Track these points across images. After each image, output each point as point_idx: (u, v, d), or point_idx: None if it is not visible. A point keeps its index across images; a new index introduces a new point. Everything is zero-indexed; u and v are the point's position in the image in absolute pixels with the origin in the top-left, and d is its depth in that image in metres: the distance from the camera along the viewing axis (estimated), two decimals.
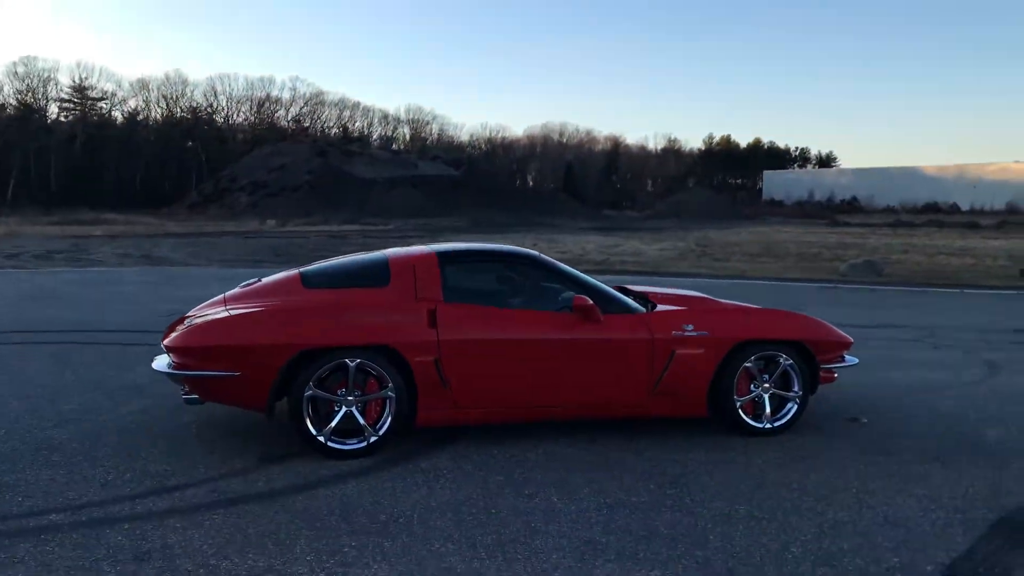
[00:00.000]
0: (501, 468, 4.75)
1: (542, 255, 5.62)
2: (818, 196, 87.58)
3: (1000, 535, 3.91)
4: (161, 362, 5.00)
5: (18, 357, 7.77)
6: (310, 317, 4.86)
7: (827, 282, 17.19)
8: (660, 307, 5.61)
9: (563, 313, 5.21)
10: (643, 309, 5.48)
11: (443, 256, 5.30)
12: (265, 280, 5.40)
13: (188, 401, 5.08)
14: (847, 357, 5.85)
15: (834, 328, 5.77)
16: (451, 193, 69.73)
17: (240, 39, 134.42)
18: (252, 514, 4.03)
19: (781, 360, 5.45)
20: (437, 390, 4.95)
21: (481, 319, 5.06)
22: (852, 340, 5.82)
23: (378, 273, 5.20)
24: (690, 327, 5.30)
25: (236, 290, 5.40)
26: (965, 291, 16.03)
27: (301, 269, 5.42)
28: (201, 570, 3.41)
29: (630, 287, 6.39)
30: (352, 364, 4.79)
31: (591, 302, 5.12)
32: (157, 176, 79.61)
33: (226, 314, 4.96)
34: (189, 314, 5.33)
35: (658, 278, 17.00)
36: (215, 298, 5.38)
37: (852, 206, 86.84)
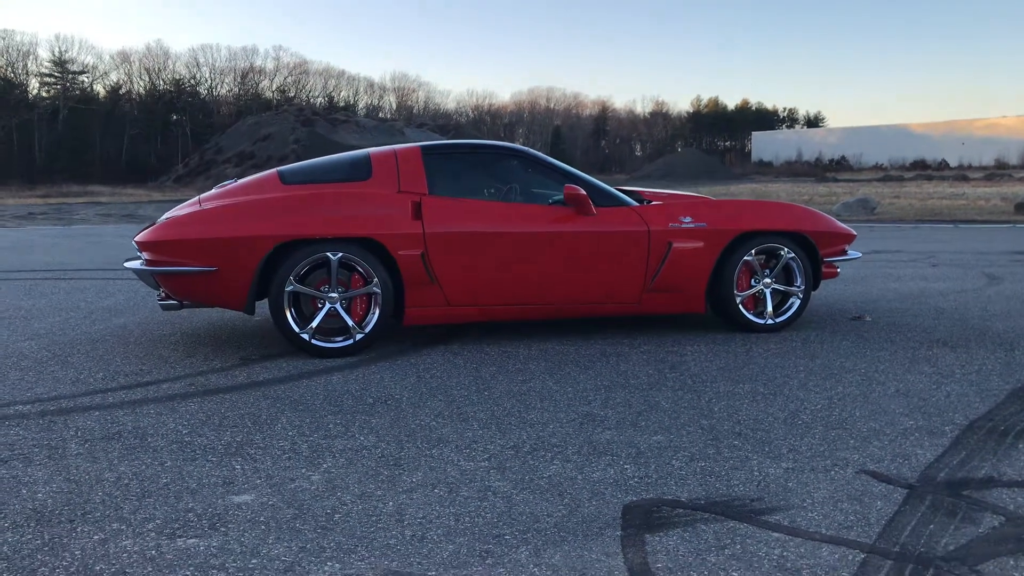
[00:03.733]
0: (494, 361, 4.54)
1: (531, 149, 5.37)
2: (806, 156, 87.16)
3: (1017, 401, 3.72)
4: (135, 262, 4.75)
5: None
6: (289, 209, 4.61)
7: None
8: (661, 200, 5.37)
9: (555, 206, 4.98)
10: (637, 203, 5.25)
11: (427, 149, 5.05)
12: (242, 180, 5.14)
13: (165, 307, 4.85)
14: (850, 251, 5.64)
15: (836, 220, 5.55)
16: None
17: (221, 9, 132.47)
18: (231, 400, 3.82)
19: (783, 253, 5.23)
20: (425, 286, 4.72)
21: (469, 212, 4.82)
22: (855, 233, 5.60)
23: (359, 167, 4.95)
24: (688, 219, 5.07)
25: (212, 191, 5.14)
26: (960, 225, 15.86)
27: (279, 168, 5.16)
28: (174, 445, 3.19)
29: (624, 188, 6.15)
30: (334, 258, 4.56)
31: (583, 192, 4.88)
32: (142, 150, 78.69)
33: (201, 209, 4.71)
34: (164, 216, 5.07)
35: None
36: (190, 200, 5.12)
37: (841, 165, 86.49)
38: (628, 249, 4.97)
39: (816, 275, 5.39)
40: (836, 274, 5.57)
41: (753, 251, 5.17)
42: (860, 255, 5.76)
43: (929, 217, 17.40)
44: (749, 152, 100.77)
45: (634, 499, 2.66)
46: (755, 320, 5.25)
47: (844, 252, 5.58)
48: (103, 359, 4.64)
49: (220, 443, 3.22)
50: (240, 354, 4.75)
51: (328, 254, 4.56)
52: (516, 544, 2.34)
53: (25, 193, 42.00)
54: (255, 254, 4.49)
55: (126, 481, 2.82)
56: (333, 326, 4.65)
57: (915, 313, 5.97)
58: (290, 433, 3.33)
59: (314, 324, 4.59)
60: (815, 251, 5.32)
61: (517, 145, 5.39)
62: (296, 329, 4.57)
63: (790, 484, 2.78)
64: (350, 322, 4.63)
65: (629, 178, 77.20)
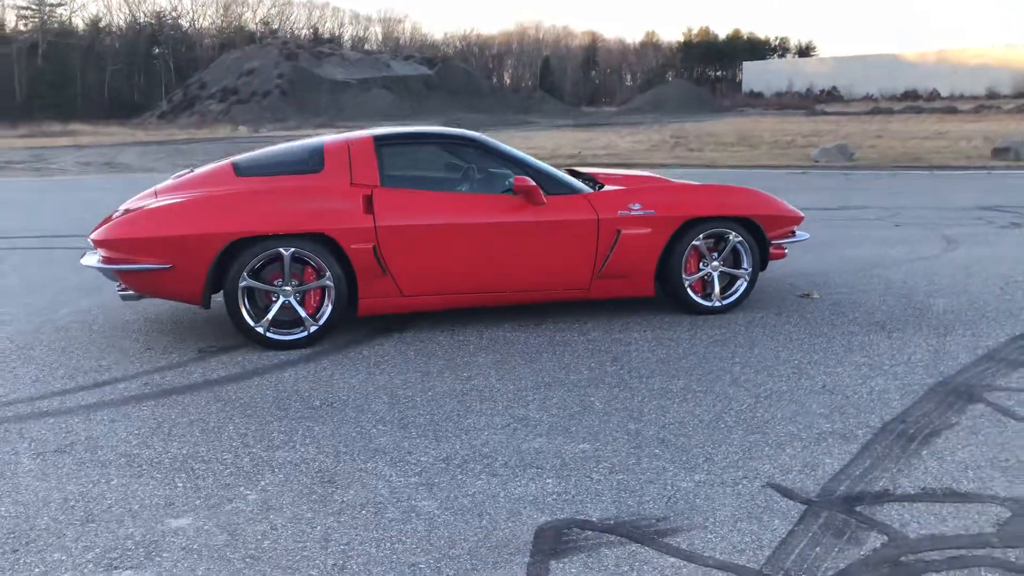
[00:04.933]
0: (444, 353, 4.69)
1: (484, 137, 5.44)
2: (797, 87, 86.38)
3: (934, 399, 3.90)
4: (91, 258, 4.85)
5: None
6: (241, 206, 4.70)
7: (798, 168, 17.05)
8: (608, 188, 5.47)
9: (505, 196, 5.07)
10: (589, 189, 5.34)
11: (380, 140, 5.11)
12: (197, 170, 5.21)
13: (124, 297, 4.97)
14: (798, 233, 5.77)
15: (784, 204, 5.67)
16: (426, 94, 68.55)
17: None
18: (183, 404, 3.97)
19: (730, 237, 5.35)
20: (377, 278, 4.84)
21: (420, 204, 4.92)
22: (803, 215, 5.73)
23: (312, 159, 5.02)
24: (636, 206, 5.18)
25: (168, 181, 5.22)
26: (935, 172, 15.94)
27: (234, 158, 5.22)
28: (122, 459, 3.35)
29: (579, 169, 6.23)
30: (287, 253, 4.67)
31: (532, 183, 4.98)
32: (125, 85, 77.56)
33: (156, 205, 4.79)
34: (120, 208, 5.15)
35: (627, 169, 16.79)
36: (146, 191, 5.20)
37: (831, 96, 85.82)
38: (577, 237, 5.09)
39: (764, 257, 5.52)
40: (784, 255, 5.71)
41: (701, 236, 5.29)
42: (808, 236, 5.89)
43: (907, 163, 17.45)
44: (740, 83, 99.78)
45: (548, 520, 2.84)
46: (703, 303, 5.40)
47: (792, 234, 5.71)
48: (65, 352, 4.78)
49: (167, 455, 3.38)
50: (199, 345, 4.89)
51: (281, 250, 4.66)
52: (429, 573, 2.52)
53: (6, 133, 41.48)
54: (208, 251, 4.60)
55: (72, 503, 2.98)
56: (288, 318, 4.79)
57: (864, 288, 6.13)
58: (235, 444, 3.49)
59: (269, 317, 4.72)
60: (763, 234, 5.44)
61: (471, 133, 5.45)
62: (251, 323, 4.71)
63: (698, 501, 2.96)
64: (304, 315, 4.76)
65: (618, 110, 76.52)
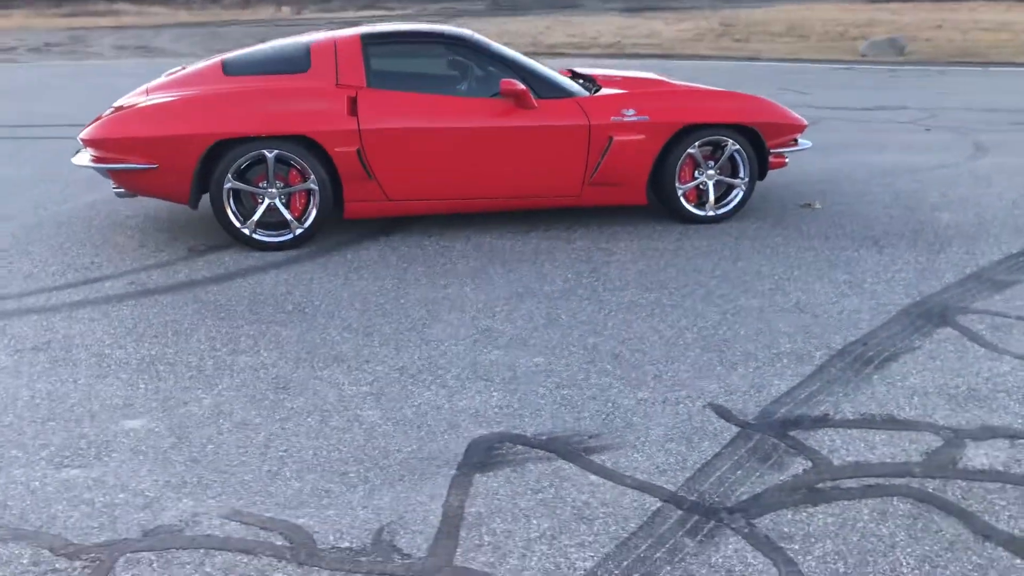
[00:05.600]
0: (425, 259, 4.74)
1: (477, 36, 5.31)
2: None
3: (903, 320, 3.86)
4: (82, 157, 4.92)
5: None
6: (225, 106, 4.70)
7: (844, 63, 16.38)
8: (604, 91, 5.34)
9: (495, 99, 4.99)
10: (585, 93, 5.23)
11: (368, 39, 5.03)
12: (189, 68, 5.20)
13: (119, 194, 5.06)
14: (800, 141, 5.62)
15: (786, 110, 5.50)
16: None
17: None
18: (162, 304, 4.09)
19: (727, 145, 5.23)
20: (362, 182, 4.85)
21: (406, 106, 4.87)
22: (805, 123, 5.56)
23: (299, 59, 4.98)
24: (631, 112, 5.07)
25: (160, 79, 5.22)
26: (990, 69, 15.22)
27: (224, 56, 5.19)
28: (93, 359, 3.49)
29: (578, 70, 6.08)
30: (270, 155, 4.69)
31: (521, 86, 4.88)
32: None
33: (143, 104, 4.82)
34: (113, 105, 5.18)
35: (665, 61, 16.32)
36: (139, 88, 5.21)
37: None
38: (568, 143, 5.02)
39: (762, 167, 5.40)
40: (784, 164, 5.57)
41: (697, 143, 5.18)
42: (810, 145, 5.72)
43: (962, 58, 16.65)
44: None
45: (484, 433, 2.92)
46: (696, 212, 5.33)
47: (794, 142, 5.56)
48: (62, 248, 4.91)
49: (136, 357, 3.51)
50: (190, 243, 4.99)
51: (264, 151, 4.68)
52: (356, 483, 2.63)
53: (51, 11, 41.43)
54: (193, 152, 4.64)
55: (38, 401, 3.14)
56: (275, 220, 4.84)
57: (870, 199, 5.99)
58: (202, 347, 3.61)
59: (254, 219, 4.79)
60: (762, 143, 5.31)
61: (464, 32, 5.31)
62: (237, 224, 4.78)
63: (635, 419, 3.01)
64: (289, 217, 4.82)
65: None
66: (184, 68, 5.28)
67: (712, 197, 5.32)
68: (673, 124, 5.09)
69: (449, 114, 4.90)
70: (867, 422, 2.98)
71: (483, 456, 2.78)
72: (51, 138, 8.34)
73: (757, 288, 4.27)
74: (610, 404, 3.12)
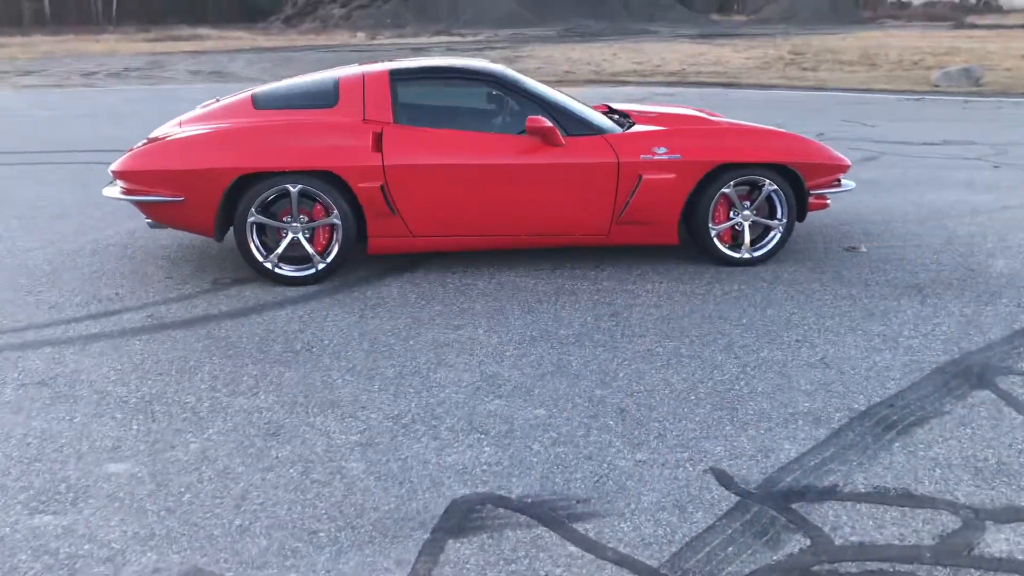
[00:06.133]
0: (445, 297, 4.65)
1: (508, 72, 5.24)
2: None
3: (936, 380, 3.62)
4: (112, 189, 4.98)
5: (38, 177, 7.96)
6: (251, 141, 4.71)
7: (915, 93, 15.89)
8: (636, 128, 5.21)
9: (522, 136, 4.90)
10: (617, 129, 5.11)
11: (396, 74, 5.00)
12: (222, 101, 5.25)
13: (151, 225, 5.11)
14: (844, 182, 5.38)
15: (828, 149, 5.28)
16: (547, 0, 66.96)
17: None
18: (174, 339, 4.08)
19: (764, 186, 5.04)
20: (386, 217, 4.80)
21: (431, 143, 4.81)
22: (848, 163, 5.32)
23: (327, 93, 4.97)
24: (661, 150, 4.92)
25: (195, 111, 5.28)
26: None
27: (254, 90, 5.22)
28: (94, 396, 3.49)
29: (614, 105, 5.96)
30: (294, 190, 4.67)
31: (548, 123, 4.78)
32: None
33: (173, 137, 4.86)
34: (148, 136, 5.25)
35: (729, 90, 16.08)
36: (174, 120, 5.28)
37: (988, 6, 79.31)
38: (596, 181, 4.89)
39: (801, 208, 5.19)
40: (826, 206, 5.35)
41: (732, 183, 5.01)
42: (853, 186, 5.48)
43: None
44: None
45: (466, 493, 2.80)
46: (731, 254, 5.15)
47: (837, 183, 5.33)
48: (92, 277, 4.98)
49: (136, 395, 3.49)
50: (215, 276, 5.01)
51: (288, 186, 4.67)
52: (325, 544, 2.54)
53: (137, 36, 43.14)
54: (217, 186, 4.65)
55: (30, 440, 3.13)
56: (297, 254, 4.83)
57: (921, 242, 5.70)
58: (203, 386, 3.58)
59: (277, 252, 4.77)
60: (801, 183, 5.10)
61: (494, 68, 5.24)
62: (259, 258, 4.77)
63: (629, 483, 2.86)
64: (311, 251, 4.79)
65: (747, 20, 72.97)
66: (218, 100, 5.32)
67: (747, 239, 5.13)
68: (706, 163, 4.93)
69: (475, 151, 4.83)
70: (879, 496, 2.77)
71: (461, 519, 2.66)
72: (107, 163, 8.54)
73: (783, 339, 4.07)
74: (605, 465, 2.97)
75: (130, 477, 2.89)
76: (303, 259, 4.83)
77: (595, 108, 5.76)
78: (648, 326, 4.23)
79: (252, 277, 4.91)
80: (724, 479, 2.88)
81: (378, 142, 4.74)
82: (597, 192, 4.91)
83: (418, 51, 30.73)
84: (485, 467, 2.95)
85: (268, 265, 4.78)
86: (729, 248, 5.15)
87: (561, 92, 5.49)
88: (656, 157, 4.90)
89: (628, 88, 16.85)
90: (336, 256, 4.82)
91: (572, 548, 2.52)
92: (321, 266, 4.82)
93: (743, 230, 5.13)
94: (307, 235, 4.79)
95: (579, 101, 5.51)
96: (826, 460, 2.99)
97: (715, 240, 5.10)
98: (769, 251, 5.17)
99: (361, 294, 4.71)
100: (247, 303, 4.57)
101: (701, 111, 6.21)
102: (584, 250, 5.40)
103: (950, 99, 15.07)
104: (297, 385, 3.59)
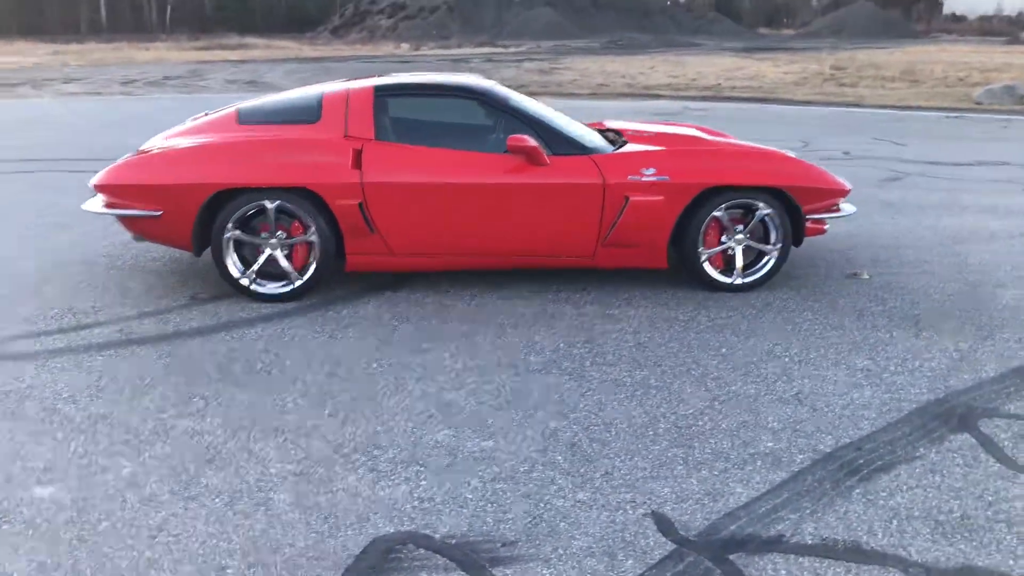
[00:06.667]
0: (420, 318, 4.55)
1: (496, 88, 5.14)
2: (1008, 10, 78.38)
3: (914, 421, 3.42)
4: (93, 203, 4.96)
5: (52, 184, 8.04)
6: (228, 156, 4.66)
7: (955, 111, 15.47)
8: (627, 148, 5.07)
9: (506, 155, 4.78)
10: (607, 149, 4.98)
11: (380, 90, 4.93)
12: (210, 115, 5.22)
13: (135, 238, 5.08)
14: (843, 207, 5.18)
15: (827, 173, 5.08)
16: (592, 12, 66.99)
17: None
18: (137, 356, 4.03)
19: (758, 209, 4.86)
20: (364, 235, 4.72)
21: (411, 160, 4.72)
22: (848, 187, 5.12)
23: (311, 109, 4.91)
24: (650, 171, 4.77)
25: (183, 124, 5.25)
26: None
27: (239, 105, 5.18)
28: (42, 414, 3.44)
29: (609, 123, 5.82)
30: (271, 206, 4.61)
31: (532, 143, 4.66)
32: None
33: (154, 151, 4.84)
34: (140, 148, 5.23)
35: (761, 105, 15.82)
36: (163, 133, 5.26)
37: None
38: (580, 202, 4.76)
39: (797, 232, 5.00)
40: (823, 231, 5.15)
41: (723, 206, 4.84)
42: (853, 211, 5.27)
43: None
44: (942, 4, 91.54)
45: (390, 532, 2.68)
46: (721, 279, 4.97)
47: (836, 208, 5.13)
48: (75, 289, 4.97)
49: (83, 414, 3.44)
50: (195, 290, 4.96)
51: (265, 202, 4.61)
52: None
53: (185, 45, 43.93)
54: (193, 201, 4.61)
55: None
56: (275, 270, 4.76)
57: (928, 269, 5.47)
58: (152, 407, 3.51)
59: (254, 269, 4.72)
60: (797, 207, 4.92)
61: (481, 84, 5.14)
62: (236, 274, 4.72)
63: (562, 526, 2.72)
64: (288, 268, 4.72)
65: (795, 34, 72.11)
66: (207, 114, 5.29)
67: (740, 263, 4.95)
68: (695, 185, 4.77)
69: (456, 169, 4.73)
70: (825, 549, 2.59)
71: (377, 560, 2.54)
72: None
73: (760, 372, 3.89)
74: (542, 505, 2.83)
75: (53, 502, 2.82)
76: (281, 275, 4.77)
77: (591, 126, 5.63)
78: (622, 354, 4.08)
79: (231, 293, 4.86)
80: (664, 524, 2.72)
81: (357, 159, 4.66)
82: (582, 213, 4.77)
83: (459, 62, 30.85)
84: (416, 503, 2.84)
85: (244, 281, 4.73)
86: (720, 273, 4.98)
87: (552, 109, 5.38)
88: (644, 179, 4.75)
89: (660, 102, 16.66)
90: (313, 273, 4.74)
91: None
92: (298, 283, 4.75)
93: (735, 254, 4.95)
94: (285, 252, 4.72)
95: (572, 119, 5.39)
96: (777, 507, 2.82)
97: (705, 265, 4.94)
98: (762, 277, 4.99)
99: (336, 313, 4.63)
100: (219, 320, 4.51)
101: (703, 130, 6.06)
102: (573, 272, 5.26)
103: (991, 117, 14.64)
104: (247, 409, 3.51)
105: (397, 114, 4.92)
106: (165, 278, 5.20)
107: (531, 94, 19.22)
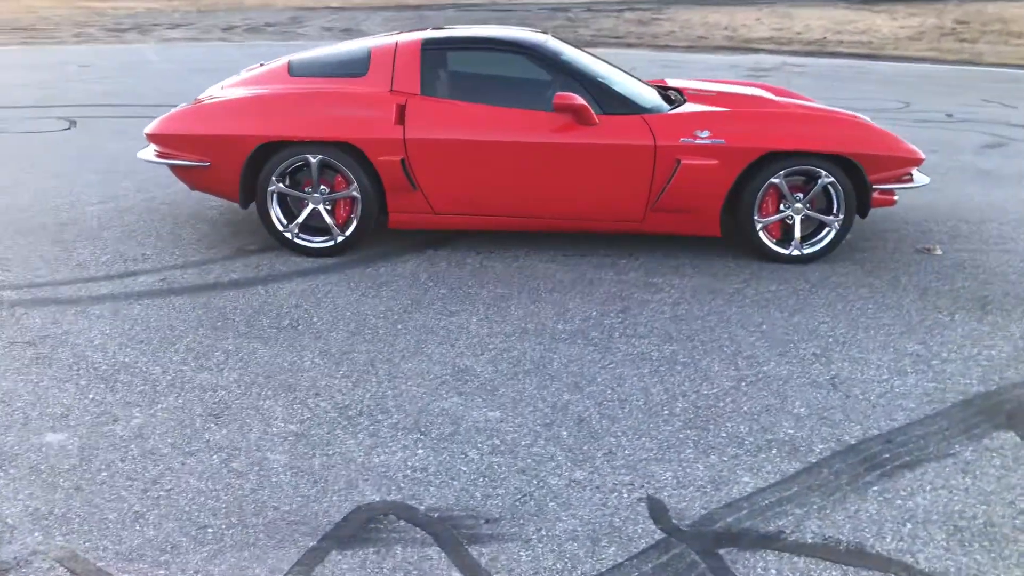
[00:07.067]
0: (457, 280, 4.48)
1: (548, 43, 4.95)
2: None
3: (956, 414, 3.17)
4: (147, 152, 5.05)
5: (131, 132, 8.24)
6: (273, 109, 4.65)
7: None
8: (683, 108, 4.84)
9: (554, 113, 4.62)
10: (664, 108, 4.77)
11: (429, 43, 4.82)
12: (266, 66, 5.22)
13: (192, 187, 5.16)
14: (916, 176, 4.83)
15: (899, 140, 4.74)
16: None
17: None
18: (172, 306, 4.10)
19: (821, 177, 4.58)
20: (406, 192, 4.66)
21: (456, 116, 4.62)
22: (922, 156, 4.76)
23: (359, 62, 4.85)
24: (704, 133, 4.54)
25: (239, 75, 5.28)
26: None
27: (291, 57, 5.16)
28: (70, 360, 3.53)
29: (670, 82, 5.56)
30: (314, 160, 4.60)
31: (579, 101, 4.49)
32: None
33: (206, 102, 4.88)
34: (198, 97, 5.29)
35: (865, 62, 15.01)
36: (221, 82, 5.30)
37: None
38: (630, 164, 4.58)
39: (863, 203, 4.70)
40: (893, 202, 4.82)
41: (782, 173, 4.58)
42: (927, 181, 4.90)
43: None
44: None
45: (375, 500, 2.65)
46: (778, 250, 4.73)
47: (908, 177, 4.78)
48: (129, 236, 5.09)
49: (108, 362, 3.52)
50: (243, 242, 5.02)
51: (308, 156, 4.60)
52: (206, 542, 2.45)
53: None
54: (240, 152, 4.63)
55: None
56: (319, 224, 4.77)
57: (1011, 247, 5.08)
58: (175, 359, 3.57)
59: (297, 222, 4.73)
60: (863, 176, 4.61)
61: (533, 39, 4.96)
62: (279, 228, 4.74)
63: (552, 506, 2.63)
64: (330, 223, 4.72)
65: None
66: (262, 65, 5.30)
67: (798, 234, 4.69)
68: (752, 150, 4.52)
69: (501, 127, 4.60)
70: (825, 550, 2.43)
71: (356, 529, 2.51)
72: None
73: (798, 352, 3.68)
74: (536, 482, 2.75)
75: (60, 449, 2.89)
76: (324, 230, 4.76)
77: (651, 83, 5.41)
78: (654, 326, 3.93)
79: (276, 246, 4.89)
80: (657, 511, 2.60)
81: (401, 114, 4.59)
82: (631, 176, 4.59)
83: (557, 11, 30.26)
84: (408, 472, 2.79)
85: (288, 235, 4.75)
86: (777, 243, 4.73)
87: (610, 65, 5.17)
88: (697, 141, 4.52)
89: (758, 56, 15.98)
90: (355, 229, 4.72)
91: (456, 575, 2.33)
92: (340, 238, 4.73)
93: (794, 224, 4.69)
94: (328, 206, 4.71)
95: (631, 77, 5.18)
96: (783, 500, 2.67)
97: (760, 234, 4.70)
98: (821, 249, 4.72)
99: (375, 270, 4.60)
100: (259, 273, 4.54)
101: (778, 91, 5.74)
102: (623, 237, 5.09)
103: None
104: (265, 364, 3.52)
105: (445, 68, 4.81)
106: (219, 228, 5.27)
107: (627, 46, 18.72)
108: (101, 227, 5.25)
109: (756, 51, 16.73)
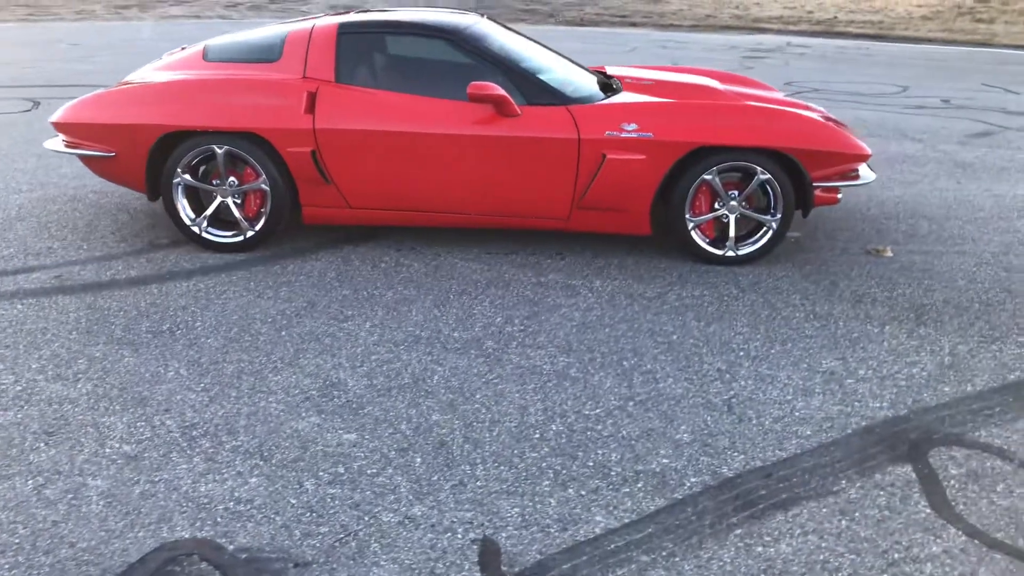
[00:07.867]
0: (362, 280, 4.25)
1: (474, 27, 4.66)
2: None
3: (853, 444, 2.89)
4: (54, 141, 4.84)
5: None
6: (177, 97, 4.42)
7: None
8: (613, 99, 4.55)
9: (475, 103, 4.35)
10: (597, 98, 4.49)
11: (346, 27, 4.56)
12: (183, 52, 4.98)
13: (102, 178, 4.95)
14: (863, 172, 4.51)
15: (843, 134, 4.42)
16: None
17: None
18: (55, 306, 3.90)
19: (757, 173, 4.29)
20: (319, 186, 4.42)
21: (369, 106, 4.36)
22: (868, 151, 4.44)
23: (273, 47, 4.60)
24: (631, 126, 4.26)
25: (159, 60, 5.05)
26: None
27: (208, 42, 4.92)
28: None
29: (610, 69, 5.26)
30: (220, 151, 4.36)
31: (496, 91, 4.21)
32: None
33: (112, 89, 4.66)
34: (122, 80, 5.06)
35: (873, 43, 14.52)
36: (147, 65, 5.07)
37: None
38: (552, 159, 4.31)
39: (804, 201, 4.40)
40: (836, 200, 4.51)
41: (715, 169, 4.28)
42: (873, 178, 4.58)
43: None
44: None
45: (183, 536, 2.43)
46: (711, 250, 4.45)
47: (853, 174, 4.47)
48: (42, 228, 4.90)
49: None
50: (157, 235, 4.81)
51: (214, 147, 4.37)
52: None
53: None
54: (142, 143, 4.41)
55: None
56: (231, 219, 4.54)
57: (968, 248, 4.76)
58: (34, 366, 3.37)
59: (205, 215, 4.51)
60: (803, 173, 4.31)
61: (455, 23, 4.66)
62: (187, 221, 4.53)
63: (372, 547, 2.40)
64: (239, 216, 4.49)
65: None
66: (183, 48, 5.06)
67: (733, 233, 4.40)
68: (682, 144, 4.23)
69: (418, 117, 4.34)
70: None
71: (150, 572, 2.29)
72: None
73: (702, 367, 3.41)
74: (366, 519, 2.51)
75: None
76: (232, 224, 4.54)
77: (591, 70, 5.11)
78: (557, 335, 3.67)
79: (185, 242, 4.67)
80: (488, 556, 2.36)
81: (312, 103, 4.33)
82: (555, 171, 4.32)
83: None
84: (232, 504, 2.57)
85: (196, 229, 4.53)
86: (711, 244, 4.45)
87: (546, 50, 4.89)
88: (623, 135, 4.24)
89: (762, 36, 15.53)
90: (265, 224, 4.50)
91: None
92: (250, 233, 4.51)
93: (729, 223, 4.40)
94: (237, 199, 4.48)
95: (570, 64, 4.90)
96: (631, 544, 2.41)
97: (693, 233, 4.42)
98: (758, 250, 4.44)
99: (282, 268, 4.38)
100: (160, 270, 4.33)
101: (741, 80, 5.44)
102: (554, 234, 4.83)
103: None
104: (125, 375, 3.31)
105: (362, 55, 4.55)
106: (139, 220, 5.07)
107: (631, 25, 18.27)
108: (19, 217, 5.07)
109: (763, 31, 16.27)
